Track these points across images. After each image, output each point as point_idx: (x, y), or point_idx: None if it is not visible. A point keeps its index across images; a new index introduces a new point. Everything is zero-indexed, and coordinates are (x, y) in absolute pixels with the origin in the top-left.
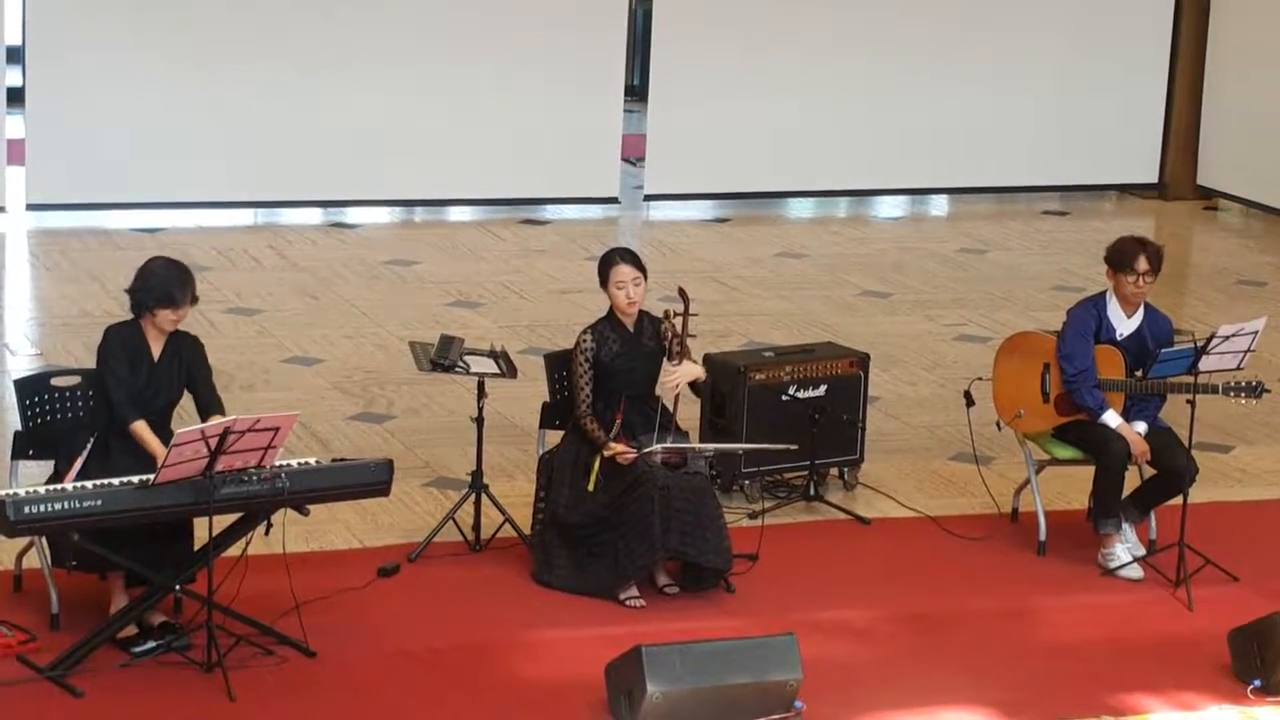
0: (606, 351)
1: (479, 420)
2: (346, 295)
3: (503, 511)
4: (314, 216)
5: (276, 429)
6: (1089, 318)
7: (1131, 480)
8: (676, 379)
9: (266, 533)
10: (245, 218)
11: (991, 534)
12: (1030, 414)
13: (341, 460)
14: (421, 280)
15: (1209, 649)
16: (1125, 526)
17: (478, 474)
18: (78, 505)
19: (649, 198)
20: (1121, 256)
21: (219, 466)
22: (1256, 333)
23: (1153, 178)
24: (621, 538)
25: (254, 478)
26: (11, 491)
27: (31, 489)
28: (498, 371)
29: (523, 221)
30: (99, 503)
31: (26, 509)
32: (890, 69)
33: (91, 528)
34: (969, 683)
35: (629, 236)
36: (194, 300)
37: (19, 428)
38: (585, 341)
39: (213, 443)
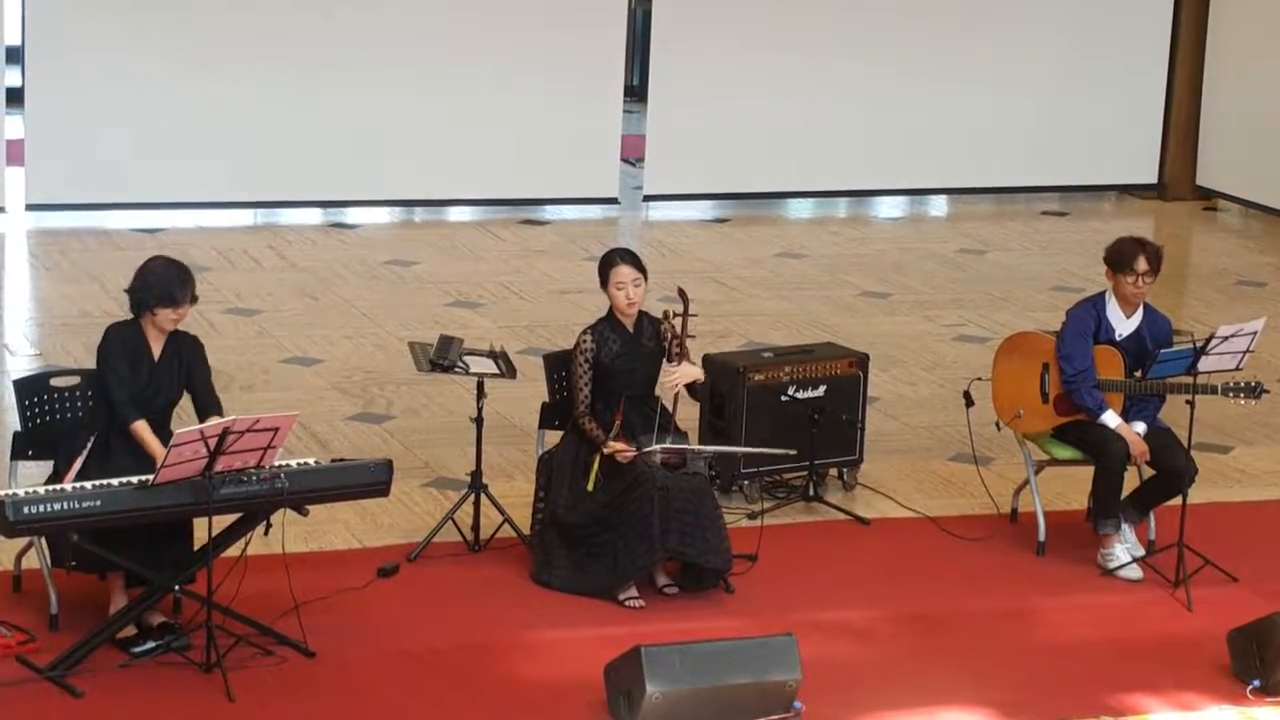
0: (606, 352)
1: (478, 420)
2: (346, 295)
3: (502, 512)
4: (314, 217)
5: (276, 429)
6: (1088, 318)
7: (1131, 481)
8: (676, 380)
9: (266, 533)
10: (245, 218)
11: (991, 534)
12: (1029, 414)
13: (341, 460)
14: (421, 280)
15: (1208, 649)
16: (1125, 527)
17: (477, 474)
18: (77, 505)
19: (648, 198)
20: (1121, 257)
21: (218, 467)
22: (1255, 333)
23: (1152, 178)
24: (621, 538)
25: (253, 478)
26: (11, 492)
27: (31, 489)
28: (497, 372)
29: (522, 222)
30: (98, 503)
31: (26, 509)
32: (890, 69)
33: (91, 528)
34: (968, 683)
35: (628, 237)
36: (194, 299)
37: (18, 428)
38: (585, 342)
39: (212, 443)
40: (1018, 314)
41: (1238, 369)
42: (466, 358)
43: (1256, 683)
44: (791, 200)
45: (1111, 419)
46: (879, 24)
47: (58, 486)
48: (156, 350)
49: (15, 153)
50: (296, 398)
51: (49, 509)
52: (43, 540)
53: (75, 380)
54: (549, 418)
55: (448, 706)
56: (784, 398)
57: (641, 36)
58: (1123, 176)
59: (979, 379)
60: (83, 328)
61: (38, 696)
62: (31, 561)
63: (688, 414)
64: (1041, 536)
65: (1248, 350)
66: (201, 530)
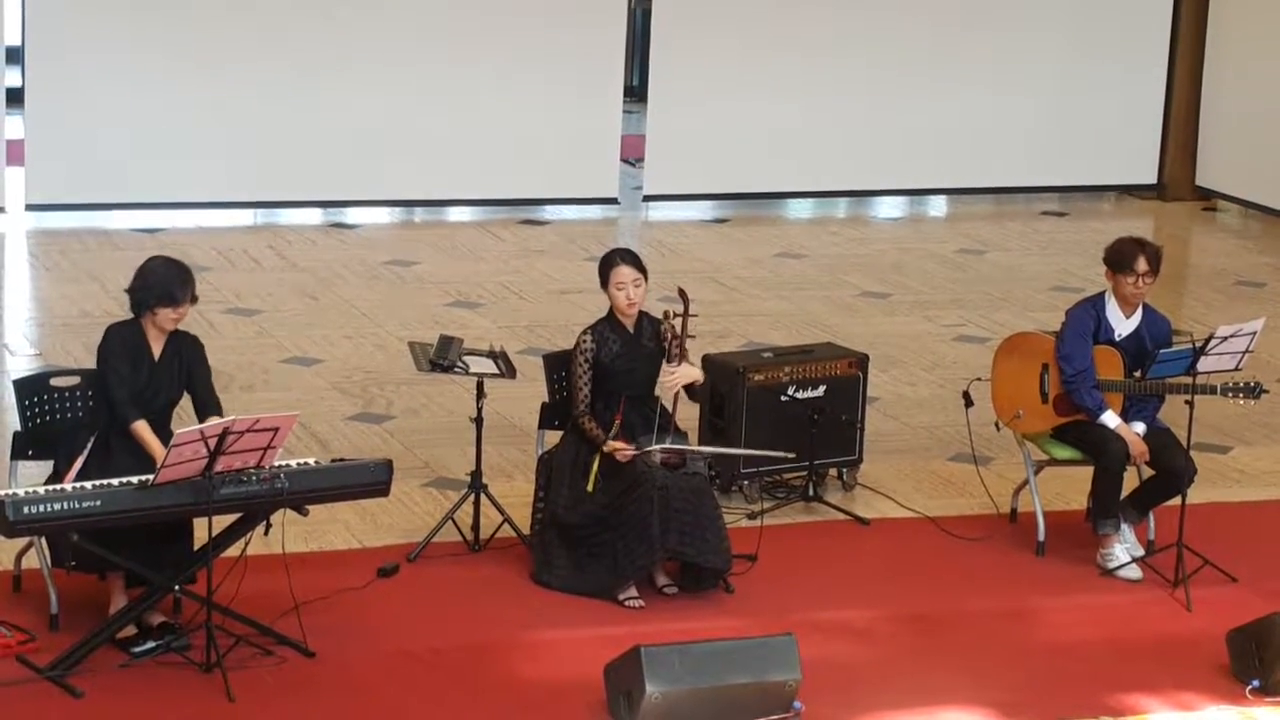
0: (606, 352)
1: (478, 420)
2: (346, 295)
3: (502, 512)
4: (314, 217)
5: (276, 429)
6: (1087, 318)
7: (1130, 481)
8: (675, 381)
9: (266, 533)
10: (245, 218)
11: (990, 534)
12: (1029, 414)
13: (341, 460)
14: (421, 281)
15: (1207, 649)
16: (1124, 527)
17: (477, 474)
18: (77, 505)
19: (648, 198)
20: (1120, 257)
21: (218, 467)
22: (1255, 333)
23: (1151, 178)
24: (621, 538)
25: (253, 478)
26: (11, 492)
27: (31, 489)
28: (497, 372)
29: (522, 222)
30: (98, 503)
31: (26, 509)
32: (889, 69)
33: (91, 528)
34: (968, 683)
35: (628, 237)
36: (194, 299)
37: (18, 428)
38: (585, 342)
39: (212, 443)
40: (1017, 314)
41: (1237, 369)
42: (466, 358)
43: (1255, 683)
44: (791, 200)
45: (1111, 419)
46: (879, 24)
47: (58, 486)
48: (157, 350)
49: (15, 153)
50: (296, 398)
51: (49, 509)
52: (43, 540)
53: (75, 380)
54: (549, 418)
55: (448, 706)
56: (784, 398)
57: (641, 36)
58: (1122, 177)
59: (978, 379)
60: (83, 328)
61: (38, 696)
62: (31, 561)
63: (687, 414)
64: (1041, 536)
65: (1247, 350)
66: (201, 530)
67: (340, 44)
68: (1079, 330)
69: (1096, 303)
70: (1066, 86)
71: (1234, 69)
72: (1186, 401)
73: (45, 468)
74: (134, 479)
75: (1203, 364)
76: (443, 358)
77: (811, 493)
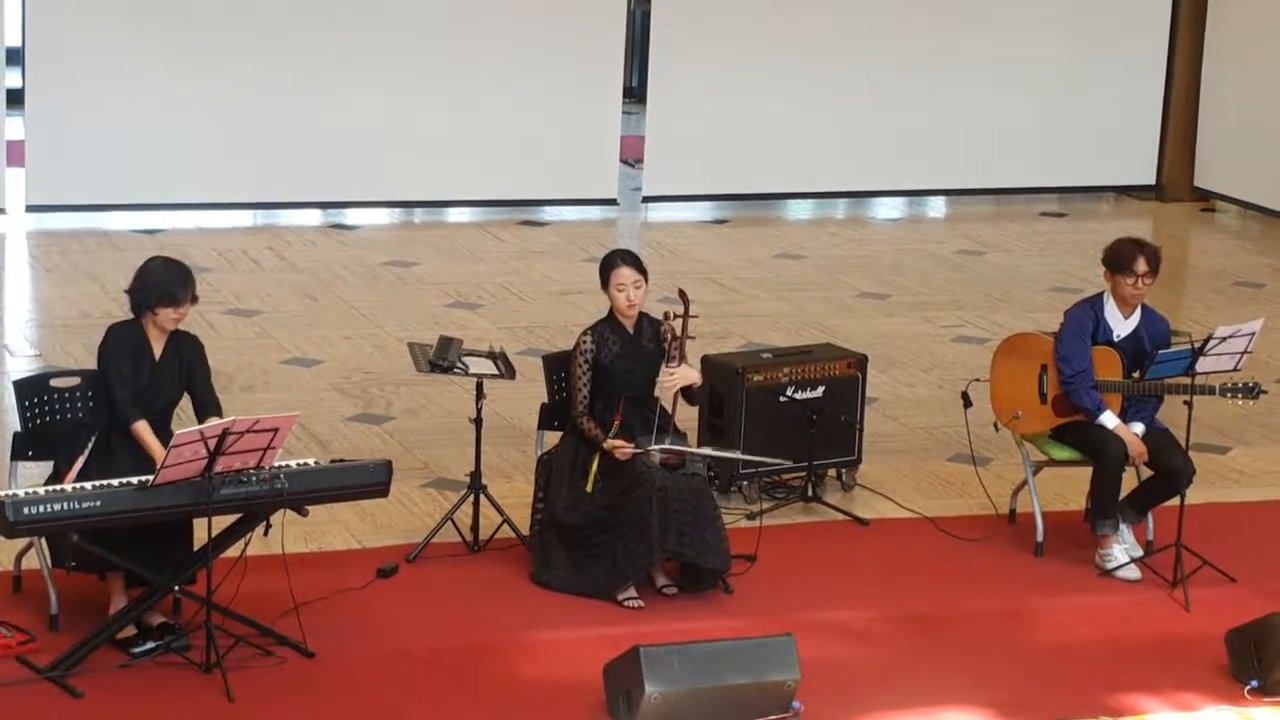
0: (606, 353)
1: (477, 421)
2: (346, 296)
3: (501, 512)
4: (313, 218)
5: (275, 430)
6: (1086, 319)
7: (1129, 481)
8: (674, 382)
9: (265, 533)
10: (245, 219)
11: (989, 535)
12: (1028, 415)
13: (340, 461)
14: (421, 281)
15: (1206, 650)
16: (1123, 527)
17: (476, 475)
18: (77, 506)
19: (648, 199)
20: (1119, 258)
21: (218, 467)
22: (1253, 334)
23: (1150, 179)
24: (620, 539)
25: (253, 479)
26: (11, 492)
27: (31, 490)
28: (496, 373)
29: (522, 223)
30: (98, 504)
31: (26, 510)
32: (889, 70)
33: (91, 528)
34: (967, 683)
35: (628, 238)
36: (194, 299)
37: (18, 429)
38: (585, 343)
39: (212, 444)
40: (1016, 315)
41: (1235, 370)
42: (466, 359)
43: (1254, 683)
44: (790, 201)
45: (1110, 420)
46: (878, 25)
47: (58, 487)
48: (157, 350)
49: (15, 153)
50: (296, 398)
51: (49, 509)
52: (43, 540)
53: (75, 381)
54: (548, 419)
55: (447, 706)
56: (783, 398)
57: (641, 37)
58: (1121, 177)
59: (977, 380)
60: (82, 328)
61: (38, 696)
62: (31, 562)
63: (687, 414)
64: (1040, 537)
65: (1245, 351)
66: (201, 531)
67: (340, 44)
68: (1077, 331)
69: (1095, 303)
70: (1066, 87)
71: (1233, 70)
72: (1185, 402)
73: (45, 468)
74: (134, 479)
75: (1201, 364)
76: (442, 358)
77: (810, 493)
